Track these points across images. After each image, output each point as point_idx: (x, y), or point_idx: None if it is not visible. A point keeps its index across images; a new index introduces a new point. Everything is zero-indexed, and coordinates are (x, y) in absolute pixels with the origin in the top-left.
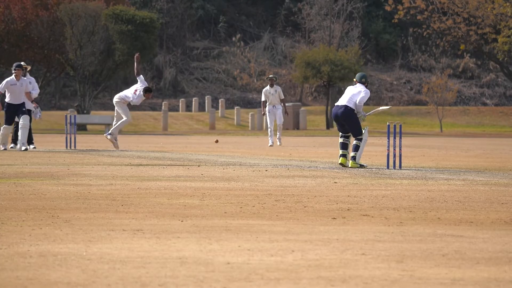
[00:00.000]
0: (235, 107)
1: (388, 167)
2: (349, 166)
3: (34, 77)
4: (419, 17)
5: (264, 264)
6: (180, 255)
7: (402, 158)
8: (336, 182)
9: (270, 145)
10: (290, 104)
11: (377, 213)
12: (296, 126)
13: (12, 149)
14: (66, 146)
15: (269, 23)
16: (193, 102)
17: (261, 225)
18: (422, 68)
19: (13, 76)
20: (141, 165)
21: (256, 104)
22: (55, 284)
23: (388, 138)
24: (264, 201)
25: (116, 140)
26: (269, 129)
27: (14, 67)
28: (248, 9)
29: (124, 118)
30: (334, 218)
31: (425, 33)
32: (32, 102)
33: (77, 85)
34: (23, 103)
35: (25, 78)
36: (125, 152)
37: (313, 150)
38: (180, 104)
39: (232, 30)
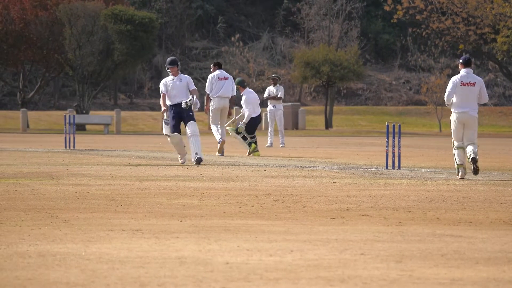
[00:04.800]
0: (234, 107)
1: (387, 167)
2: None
3: (33, 77)
4: (418, 17)
5: (263, 264)
6: (179, 255)
7: (401, 158)
8: (335, 182)
9: (268, 146)
10: (289, 104)
11: (376, 213)
12: (295, 126)
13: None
14: (65, 146)
15: (268, 23)
16: None
17: (260, 225)
18: (421, 68)
19: (170, 75)
20: (140, 165)
21: None
22: (54, 284)
23: (387, 138)
24: (263, 201)
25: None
26: (269, 129)
27: (167, 64)
28: (247, 9)
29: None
30: (333, 218)
31: (424, 33)
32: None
33: (76, 85)
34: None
35: (184, 75)
36: (124, 152)
37: (312, 150)
38: None
39: (231, 30)
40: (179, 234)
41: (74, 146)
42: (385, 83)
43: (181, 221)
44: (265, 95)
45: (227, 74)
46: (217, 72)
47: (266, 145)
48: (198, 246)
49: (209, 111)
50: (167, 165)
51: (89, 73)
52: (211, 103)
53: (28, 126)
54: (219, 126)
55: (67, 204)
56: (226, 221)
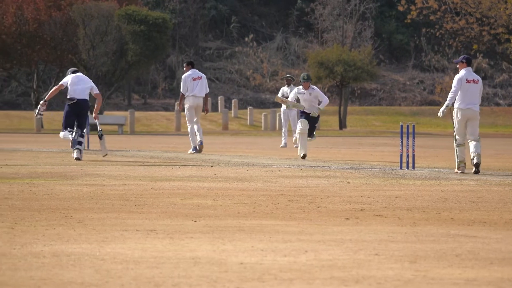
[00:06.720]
0: (248, 107)
1: (401, 168)
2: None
3: (47, 78)
4: (431, 17)
5: (277, 264)
6: (194, 255)
7: (415, 158)
8: (349, 183)
9: (282, 146)
10: None
11: (391, 213)
12: None
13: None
14: None
15: (281, 23)
16: None
17: (274, 226)
18: (435, 68)
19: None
20: (154, 165)
21: (269, 105)
22: (69, 284)
23: (401, 139)
24: (278, 201)
25: None
26: (283, 130)
27: (302, 79)
28: (261, 9)
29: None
30: (348, 219)
31: (438, 33)
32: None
33: None
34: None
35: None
36: (138, 152)
37: (326, 150)
38: None
39: (245, 30)
40: (193, 234)
41: (88, 146)
42: (399, 84)
43: (195, 221)
44: (279, 95)
45: (200, 74)
46: (190, 72)
47: (280, 146)
48: (212, 246)
49: (182, 109)
50: (181, 165)
51: (103, 73)
52: (185, 102)
53: (42, 126)
54: (195, 125)
55: (82, 204)
56: (240, 221)
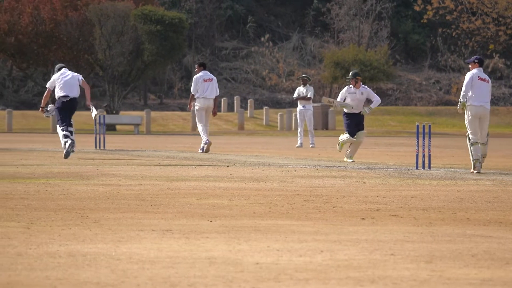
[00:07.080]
0: (264, 107)
1: (417, 168)
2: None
3: None
4: (448, 17)
5: (293, 264)
6: (209, 255)
7: (431, 158)
8: (365, 183)
9: (298, 146)
10: (319, 104)
11: (406, 213)
12: (325, 126)
13: None
14: (96, 146)
15: (298, 23)
16: (222, 103)
17: (290, 226)
18: (451, 68)
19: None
20: (170, 165)
21: (285, 105)
22: (85, 284)
23: (417, 139)
24: (293, 201)
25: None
26: (299, 130)
27: (352, 76)
28: (277, 9)
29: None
30: (363, 219)
31: (454, 33)
32: None
33: (106, 85)
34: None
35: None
36: (154, 152)
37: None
38: None
39: (261, 30)
40: (209, 234)
41: (104, 146)
42: (415, 83)
43: (211, 221)
44: (295, 95)
45: (211, 76)
46: (202, 73)
47: (296, 146)
48: (228, 246)
49: (192, 109)
50: (197, 165)
51: (119, 73)
52: (196, 103)
53: None
54: (204, 125)
55: (97, 204)
56: (256, 221)
